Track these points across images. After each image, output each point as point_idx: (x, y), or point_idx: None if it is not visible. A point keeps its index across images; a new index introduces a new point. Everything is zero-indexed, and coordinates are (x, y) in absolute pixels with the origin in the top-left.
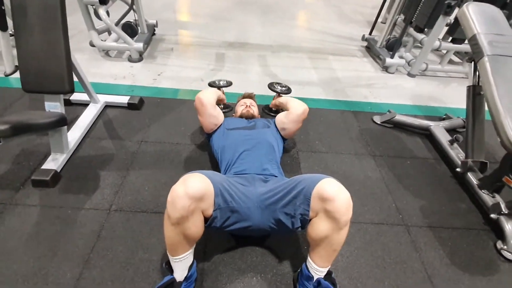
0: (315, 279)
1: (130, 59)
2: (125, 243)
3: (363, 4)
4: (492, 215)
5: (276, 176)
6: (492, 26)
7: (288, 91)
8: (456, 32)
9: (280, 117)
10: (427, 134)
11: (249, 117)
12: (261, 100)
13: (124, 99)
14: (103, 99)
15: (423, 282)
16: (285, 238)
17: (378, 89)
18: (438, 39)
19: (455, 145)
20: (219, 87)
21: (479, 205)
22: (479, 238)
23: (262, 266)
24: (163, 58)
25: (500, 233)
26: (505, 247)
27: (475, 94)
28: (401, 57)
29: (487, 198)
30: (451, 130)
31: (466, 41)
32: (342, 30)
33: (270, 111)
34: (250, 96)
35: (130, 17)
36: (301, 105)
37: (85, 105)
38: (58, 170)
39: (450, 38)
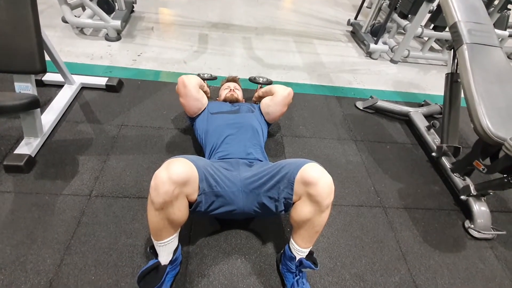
0: (297, 259)
1: (108, 38)
2: (107, 228)
3: None
4: (462, 197)
5: (260, 161)
6: (472, 14)
7: (269, 82)
8: (438, 19)
9: (265, 101)
10: (406, 120)
11: (233, 100)
12: (245, 84)
13: (102, 81)
14: (79, 80)
15: (397, 259)
16: (268, 221)
17: (362, 75)
18: (421, 26)
19: (432, 130)
20: (203, 79)
21: (450, 187)
22: (449, 218)
23: (246, 248)
24: (143, 37)
25: (468, 213)
26: (472, 226)
27: (453, 81)
28: (384, 43)
29: (458, 181)
30: (429, 116)
31: (447, 29)
32: (328, 13)
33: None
34: (234, 79)
35: None
36: (286, 88)
37: (59, 86)
38: (33, 155)
39: (432, 25)
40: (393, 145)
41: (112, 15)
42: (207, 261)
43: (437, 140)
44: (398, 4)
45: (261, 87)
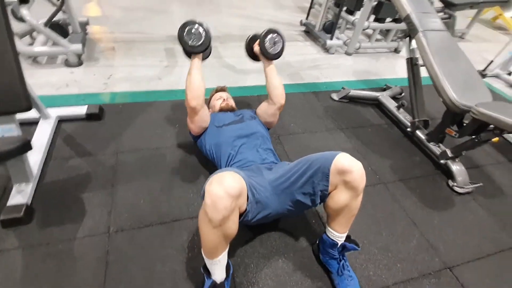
0: (339, 244)
1: (68, 64)
2: (139, 262)
3: None
4: (442, 161)
5: (276, 163)
6: (419, 5)
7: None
8: (380, 12)
9: (260, 112)
10: (376, 104)
11: (229, 109)
12: (233, 93)
13: (81, 110)
14: (55, 113)
15: (409, 225)
16: (292, 218)
17: (325, 69)
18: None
19: (401, 109)
20: (194, 50)
21: (429, 155)
22: (435, 181)
23: (282, 248)
24: (106, 59)
25: (449, 174)
26: (455, 183)
27: (413, 64)
28: (337, 38)
29: (434, 148)
30: (393, 98)
31: (388, 20)
32: (279, 16)
33: (253, 56)
34: (223, 89)
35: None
36: (281, 98)
37: (32, 123)
38: (29, 203)
39: (374, 17)
40: (372, 127)
41: (67, 39)
42: (251, 269)
43: (408, 117)
44: (344, 2)
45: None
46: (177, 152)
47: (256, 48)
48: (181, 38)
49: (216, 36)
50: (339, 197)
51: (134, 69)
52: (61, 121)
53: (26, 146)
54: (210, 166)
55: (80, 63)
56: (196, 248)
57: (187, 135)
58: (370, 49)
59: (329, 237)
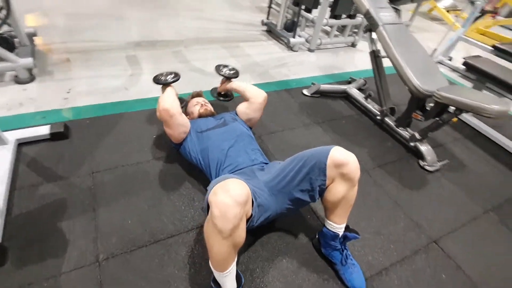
0: (340, 235)
1: (19, 80)
2: (139, 286)
3: None
4: (411, 144)
5: (266, 163)
6: (376, 1)
7: (236, 74)
8: (336, 9)
9: (242, 109)
10: (345, 96)
11: (208, 114)
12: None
13: (43, 130)
14: (12, 136)
15: (394, 208)
16: (288, 217)
17: (292, 66)
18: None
19: (369, 100)
20: (168, 84)
21: (399, 140)
22: (408, 163)
23: (283, 247)
24: (62, 71)
25: (419, 155)
26: (425, 163)
27: (376, 57)
28: (299, 36)
29: (404, 133)
30: (359, 89)
31: (344, 16)
32: (239, 17)
33: (219, 95)
34: (199, 94)
35: None
36: (260, 93)
37: None
38: (0, 241)
39: (330, 14)
40: (345, 119)
41: (14, 53)
42: (257, 274)
43: (376, 106)
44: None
45: (228, 80)
46: (159, 164)
47: (222, 86)
48: (158, 81)
49: (179, 40)
50: (336, 190)
51: (95, 80)
52: (22, 144)
53: None
54: (197, 174)
55: (32, 79)
56: (198, 262)
57: (167, 145)
58: (330, 44)
59: (329, 229)
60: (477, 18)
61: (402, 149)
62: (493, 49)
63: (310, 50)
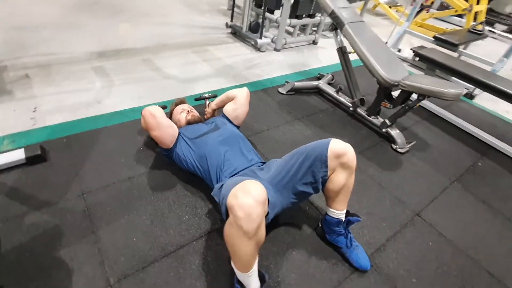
0: (343, 220)
1: None
2: None
3: None
4: (383, 130)
5: (263, 162)
6: (339, 2)
7: (215, 95)
8: (298, 9)
9: (229, 107)
10: (317, 91)
11: (196, 121)
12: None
13: (16, 155)
14: None
15: (379, 189)
16: (289, 211)
17: (263, 67)
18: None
19: (340, 93)
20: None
21: (371, 127)
22: (382, 148)
23: (291, 241)
24: (23, 89)
25: (391, 139)
26: (397, 146)
27: (343, 53)
28: (265, 36)
29: (375, 120)
30: (328, 84)
31: (304, 16)
32: (202, 21)
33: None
34: (182, 101)
35: None
36: (242, 89)
37: None
38: None
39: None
40: (321, 113)
41: None
42: (271, 269)
43: (348, 98)
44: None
45: (209, 102)
46: (153, 176)
47: (209, 110)
48: None
49: (144, 48)
50: (338, 179)
51: (63, 96)
52: None
53: None
54: (194, 182)
55: None
56: (213, 268)
57: (156, 156)
58: (294, 43)
59: (333, 217)
60: (418, 13)
61: (375, 136)
62: (434, 39)
63: (276, 49)
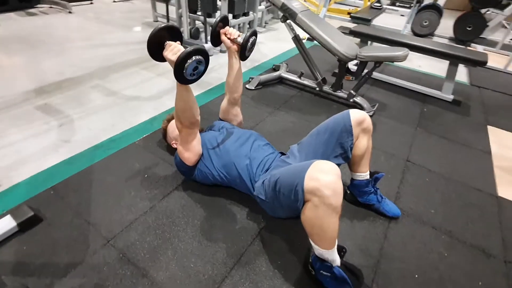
0: (371, 179)
1: None
2: None
3: (121, 10)
4: (350, 100)
5: (283, 153)
6: None
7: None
8: (235, 9)
9: (226, 116)
10: (280, 81)
11: (200, 130)
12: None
13: (4, 224)
14: None
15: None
16: None
17: (219, 69)
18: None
19: (302, 77)
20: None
21: (339, 101)
22: None
23: None
24: None
25: (359, 106)
26: (366, 111)
27: (298, 40)
28: (207, 41)
29: (341, 94)
30: (288, 72)
31: (241, 15)
32: (136, 36)
33: (214, 40)
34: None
35: None
36: (240, 88)
37: None
38: None
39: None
40: (293, 98)
41: None
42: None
43: (311, 81)
44: (199, 8)
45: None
46: (175, 197)
47: (227, 38)
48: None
49: (86, 74)
50: (361, 144)
51: (19, 146)
52: None
53: None
54: (220, 191)
55: None
56: (281, 262)
57: (165, 177)
58: None
59: (361, 180)
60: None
61: (345, 107)
62: (350, 18)
63: (222, 51)
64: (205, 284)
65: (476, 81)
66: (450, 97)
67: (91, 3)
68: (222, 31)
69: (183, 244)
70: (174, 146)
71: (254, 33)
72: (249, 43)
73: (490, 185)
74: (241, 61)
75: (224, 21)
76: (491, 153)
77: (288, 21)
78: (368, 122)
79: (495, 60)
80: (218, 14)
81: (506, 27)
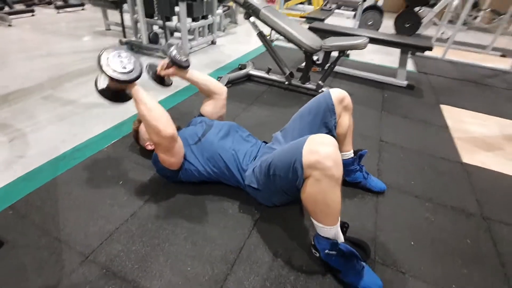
0: (355, 157)
1: None
2: None
3: (66, 21)
4: (319, 91)
5: (266, 142)
6: None
7: (188, 63)
8: (193, 12)
9: (210, 110)
10: (247, 78)
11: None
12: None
13: None
14: None
15: None
16: None
17: None
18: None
19: (270, 73)
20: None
21: (308, 93)
22: None
23: None
24: None
25: None
26: None
27: (263, 36)
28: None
29: (310, 86)
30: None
31: (200, 18)
32: (87, 45)
33: (157, 78)
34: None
35: None
36: (223, 88)
37: None
38: None
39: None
40: (264, 93)
41: None
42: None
43: (279, 76)
44: (156, 12)
45: (179, 68)
46: (157, 200)
47: (165, 71)
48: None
49: (36, 85)
50: (344, 122)
51: None
52: None
53: None
54: (205, 188)
55: None
56: (283, 250)
57: (141, 182)
58: (196, 46)
59: (347, 159)
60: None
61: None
62: (305, 19)
63: (186, 55)
64: (207, 286)
65: (422, 68)
66: (404, 82)
67: (33, 15)
68: (158, 71)
69: (175, 248)
70: (149, 148)
71: (169, 45)
72: (174, 53)
73: (455, 154)
74: (192, 71)
75: (152, 68)
76: (448, 127)
77: (251, 18)
78: (348, 99)
79: (434, 51)
80: (175, 18)
81: (436, 24)
